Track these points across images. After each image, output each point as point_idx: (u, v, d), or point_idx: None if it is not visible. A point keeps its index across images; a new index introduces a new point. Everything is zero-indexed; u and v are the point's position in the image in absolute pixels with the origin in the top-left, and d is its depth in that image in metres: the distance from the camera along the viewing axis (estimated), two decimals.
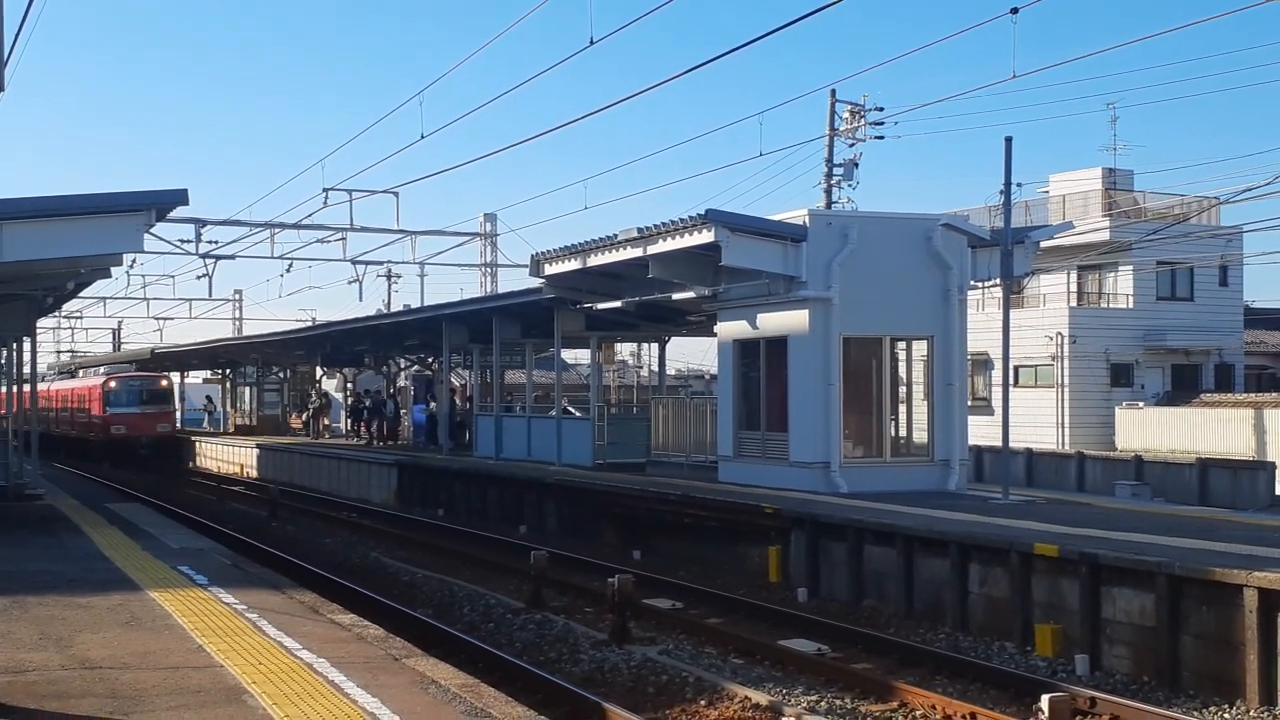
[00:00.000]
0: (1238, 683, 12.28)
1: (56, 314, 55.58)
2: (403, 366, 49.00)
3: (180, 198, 18.19)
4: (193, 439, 55.96)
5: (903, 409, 22.71)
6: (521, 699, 10.01)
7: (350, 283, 44.81)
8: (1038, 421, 40.70)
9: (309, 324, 59.13)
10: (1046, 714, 9.46)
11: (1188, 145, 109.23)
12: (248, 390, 63.07)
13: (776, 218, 22.21)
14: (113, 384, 52.76)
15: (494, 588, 19.04)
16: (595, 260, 25.00)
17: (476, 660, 13.30)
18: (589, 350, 32.99)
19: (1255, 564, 12.78)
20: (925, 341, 22.16)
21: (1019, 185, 37.31)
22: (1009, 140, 20.14)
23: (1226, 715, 11.89)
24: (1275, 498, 28.19)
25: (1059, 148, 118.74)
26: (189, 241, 33.69)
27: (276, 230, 35.84)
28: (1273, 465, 29.89)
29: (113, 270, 22.78)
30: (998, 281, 22.22)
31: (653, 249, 22.77)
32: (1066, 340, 41.60)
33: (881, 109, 40.91)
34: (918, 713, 11.78)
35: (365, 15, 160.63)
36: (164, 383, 54.62)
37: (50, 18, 59.23)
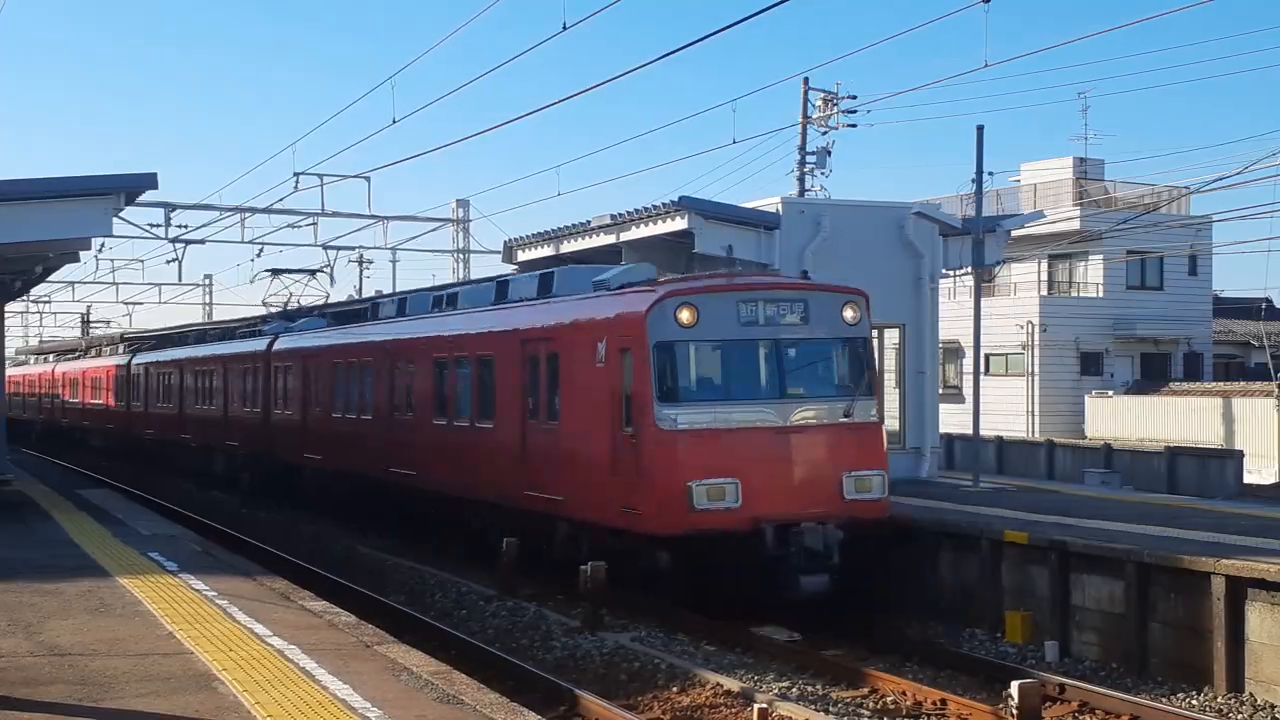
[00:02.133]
0: (1205, 669, 12.39)
1: (25, 298, 55.08)
2: None
3: (149, 181, 18.08)
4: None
5: None
6: (494, 686, 10.01)
7: (321, 268, 44.45)
8: (1008, 409, 40.90)
9: (280, 309, 58.69)
10: (1016, 700, 9.52)
11: (1158, 135, 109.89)
12: None
13: (749, 205, 22.23)
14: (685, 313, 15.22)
15: (466, 575, 19.00)
16: (568, 247, 24.94)
17: (449, 647, 13.29)
18: None
19: (1223, 552, 12.89)
20: (897, 329, 22.22)
21: (990, 174, 37.20)
22: (980, 129, 20.21)
23: (1194, 701, 11.99)
24: (1243, 486, 28.44)
25: (1030, 137, 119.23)
26: (158, 226, 33.36)
27: (247, 215, 35.54)
28: (1240, 454, 30.14)
29: (81, 254, 22.61)
30: (969, 270, 22.31)
31: (626, 236, 22.75)
32: (1037, 329, 41.80)
33: (854, 97, 40.91)
34: (888, 699, 11.84)
35: None
36: (848, 314, 16.14)
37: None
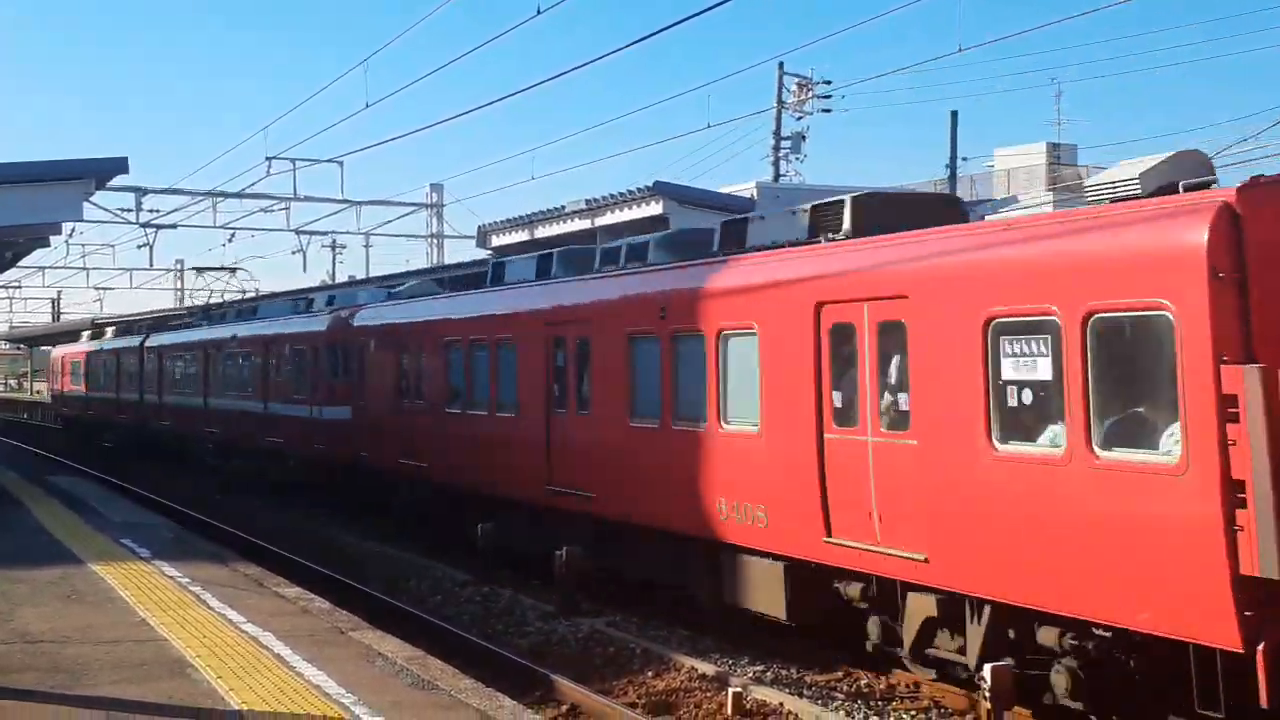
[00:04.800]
0: None
1: None
2: None
3: (120, 166, 18.00)
4: None
5: None
6: (469, 671, 10.01)
7: (294, 253, 44.26)
8: None
9: (253, 294, 58.45)
10: (989, 682, 9.56)
11: (1131, 120, 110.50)
12: None
13: (724, 190, 22.26)
14: None
15: (442, 561, 18.98)
16: (543, 232, 24.96)
17: (424, 633, 13.27)
18: None
19: None
20: None
21: (964, 159, 37.52)
22: (954, 114, 20.32)
23: None
24: None
25: (1004, 122, 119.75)
26: (129, 210, 33.21)
27: (219, 199, 35.38)
28: None
29: (52, 239, 22.47)
30: None
31: (600, 221, 22.76)
32: None
33: (829, 82, 41.11)
34: (862, 682, 11.88)
35: None
36: None
37: None
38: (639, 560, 14.63)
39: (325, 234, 44.87)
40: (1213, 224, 8.19)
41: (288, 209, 35.88)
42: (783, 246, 12.61)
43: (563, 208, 23.88)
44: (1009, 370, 9.53)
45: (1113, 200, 9.54)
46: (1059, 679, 9.45)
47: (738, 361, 12.55)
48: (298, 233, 38.45)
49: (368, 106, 25.23)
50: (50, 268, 57.14)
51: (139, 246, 37.43)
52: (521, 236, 25.66)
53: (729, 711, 10.69)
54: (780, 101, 40.55)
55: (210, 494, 28.84)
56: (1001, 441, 9.55)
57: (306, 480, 25.45)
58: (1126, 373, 8.82)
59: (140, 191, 32.84)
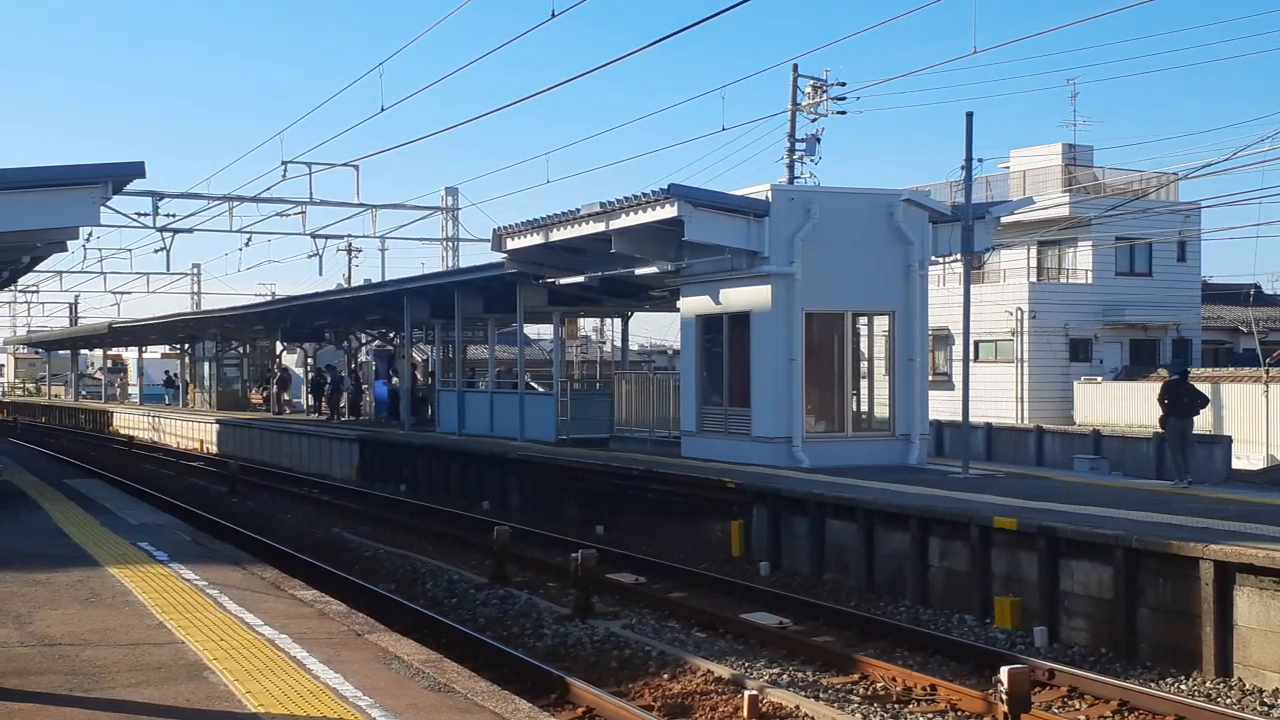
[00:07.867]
0: (1194, 654, 12.43)
1: (11, 288, 55.00)
2: (364, 341, 48.81)
3: (137, 170, 18.03)
4: None
5: (864, 384, 22.82)
6: (485, 674, 10.02)
7: (310, 257, 44.58)
8: (998, 396, 40.98)
9: (269, 298, 58.77)
10: (1005, 685, 9.53)
11: (1147, 121, 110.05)
12: (207, 365, 62.68)
13: (739, 193, 22.21)
14: None
15: (457, 563, 19.02)
16: (557, 235, 24.94)
17: (440, 636, 13.29)
18: (551, 325, 32.98)
19: (1210, 537, 12.93)
20: (887, 316, 22.26)
21: (980, 161, 37.55)
22: (970, 116, 20.19)
23: (1183, 686, 12.03)
24: (1231, 471, 28.53)
25: (1019, 124, 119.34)
26: (146, 215, 33.25)
27: (235, 203, 35.44)
28: (1229, 439, 30.22)
29: (69, 244, 22.54)
30: (959, 257, 22.34)
31: (615, 224, 22.73)
32: (1026, 315, 41.89)
33: (844, 84, 41.08)
34: (879, 685, 11.86)
35: None
36: None
37: None
38: None
39: (341, 238, 44.98)
40: None
41: (304, 213, 35.95)
42: None
43: (577, 211, 23.87)
44: None
45: None
46: None
47: None
48: (313, 236, 38.54)
49: (383, 110, 25.26)
50: (67, 272, 57.43)
51: (156, 251, 37.66)
52: (536, 240, 25.66)
53: (745, 714, 10.68)
54: (795, 104, 40.51)
55: (223, 497, 28.92)
56: None
57: None
58: None
59: (157, 196, 32.88)
